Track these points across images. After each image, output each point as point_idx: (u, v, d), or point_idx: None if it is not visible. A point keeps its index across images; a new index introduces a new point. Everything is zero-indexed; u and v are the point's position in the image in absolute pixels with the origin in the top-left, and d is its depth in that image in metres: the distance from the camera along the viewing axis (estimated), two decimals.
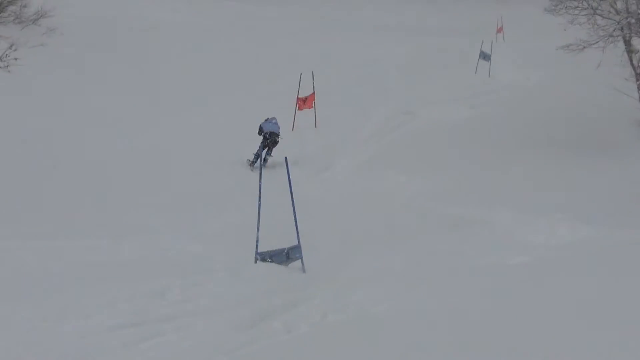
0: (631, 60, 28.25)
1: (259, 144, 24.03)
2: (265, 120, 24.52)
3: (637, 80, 28.05)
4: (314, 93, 27.28)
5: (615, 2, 27.16)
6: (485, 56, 37.53)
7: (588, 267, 13.55)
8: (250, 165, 23.77)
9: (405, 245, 16.25)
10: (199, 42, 40.76)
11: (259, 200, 13.92)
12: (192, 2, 52.66)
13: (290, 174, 13.89)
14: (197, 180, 21.00)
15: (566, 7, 28.99)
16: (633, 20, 26.47)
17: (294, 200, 14.01)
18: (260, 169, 13.79)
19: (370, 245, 16.19)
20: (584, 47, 27.83)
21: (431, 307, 11.20)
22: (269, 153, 24.05)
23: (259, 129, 24.34)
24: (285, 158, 13.79)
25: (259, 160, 23.04)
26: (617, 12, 27.08)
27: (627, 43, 28.12)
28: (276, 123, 24.49)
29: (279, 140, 24.24)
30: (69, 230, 16.28)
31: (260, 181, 13.91)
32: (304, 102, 27.07)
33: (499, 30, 47.91)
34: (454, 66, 37.45)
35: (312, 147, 24.80)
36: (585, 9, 28.23)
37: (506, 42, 45.84)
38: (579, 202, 19.64)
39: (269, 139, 24.12)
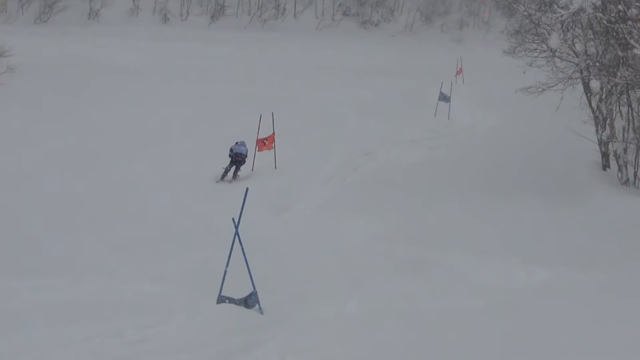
0: (590, 103, 28.27)
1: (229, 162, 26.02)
2: (235, 144, 26.27)
3: (595, 123, 28.05)
4: (273, 134, 27.01)
5: (574, 45, 27.18)
6: (444, 98, 37.53)
7: (546, 311, 13.54)
8: (220, 179, 25.79)
9: (363, 288, 15.97)
10: (158, 84, 40.46)
11: (234, 238, 13.49)
12: (152, 45, 52.56)
13: (250, 212, 13.48)
14: (157, 219, 20.51)
15: (525, 50, 28.99)
16: (592, 63, 26.47)
17: (254, 239, 13.64)
18: (242, 209, 13.26)
19: (327, 287, 15.86)
20: (543, 90, 27.78)
21: (387, 351, 11.19)
22: (237, 170, 26.06)
23: (229, 151, 26.14)
24: (247, 189, 13.35)
25: (226, 174, 25.79)
26: (576, 55, 27.09)
27: (586, 86, 28.15)
28: (243, 145, 26.27)
29: (245, 160, 26.17)
30: (26, 269, 15.77)
31: (237, 227, 13.46)
32: (264, 143, 26.82)
33: (459, 72, 48.09)
34: (414, 108, 37.44)
35: (272, 189, 24.46)
36: (544, 51, 28.22)
37: (466, 84, 45.96)
38: (536, 244, 19.53)
39: (236, 159, 26.03)
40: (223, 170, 26.02)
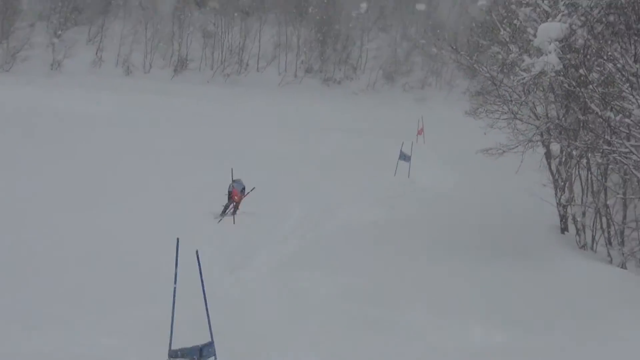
0: (549, 166, 28.43)
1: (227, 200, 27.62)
2: (233, 181, 27.71)
3: (555, 186, 28.19)
4: (235, 190, 26.90)
5: (535, 107, 27.41)
6: (405, 157, 37.57)
7: None
8: (220, 215, 27.23)
9: (320, 346, 15.68)
10: (121, 135, 40.17)
11: (174, 295, 13.17)
12: (116, 96, 52.40)
13: (206, 268, 13.20)
14: (112, 271, 20.04)
15: (486, 111, 29.20)
16: (552, 126, 26.66)
17: (210, 295, 13.32)
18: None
19: (284, 345, 15.56)
20: (504, 152, 27.92)
21: None
22: (234, 209, 27.54)
23: (228, 187, 27.68)
24: (197, 252, 13.08)
25: (225, 211, 27.36)
26: (537, 118, 27.32)
27: (546, 149, 28.34)
28: (240, 182, 27.95)
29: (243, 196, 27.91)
30: None
31: (175, 279, 13.16)
32: (234, 196, 26.82)
33: (420, 131, 48.28)
34: (375, 166, 37.40)
35: (231, 243, 24.14)
36: (505, 113, 28.45)
37: (427, 144, 46.08)
38: (494, 305, 19.33)
39: (229, 195, 27.63)
40: (222, 208, 27.44)
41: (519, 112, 28.01)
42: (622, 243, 26.00)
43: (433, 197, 33.34)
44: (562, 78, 24.05)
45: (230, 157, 30.70)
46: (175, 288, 13.30)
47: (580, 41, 22.97)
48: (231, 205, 27.49)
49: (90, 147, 36.65)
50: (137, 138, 39.75)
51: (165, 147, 37.98)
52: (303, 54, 75.11)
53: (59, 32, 65.83)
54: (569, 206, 28.06)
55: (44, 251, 21.15)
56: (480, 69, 28.62)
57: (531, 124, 27.89)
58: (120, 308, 17.02)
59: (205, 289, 13.34)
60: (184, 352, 13.46)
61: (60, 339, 14.61)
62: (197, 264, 13.26)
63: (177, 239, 13.25)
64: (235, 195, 27.00)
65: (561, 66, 23.15)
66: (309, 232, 26.32)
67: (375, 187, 33.31)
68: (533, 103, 27.43)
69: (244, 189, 28.14)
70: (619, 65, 20.95)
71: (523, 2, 26.49)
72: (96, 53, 67.24)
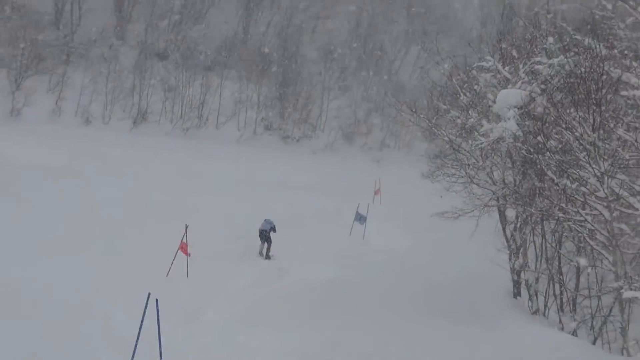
0: (504, 231, 28.57)
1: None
2: (264, 220, 31.82)
3: (509, 251, 28.30)
4: (185, 242, 26.63)
5: (492, 173, 27.61)
6: (360, 219, 37.60)
7: None
8: (259, 255, 31.09)
9: None
10: (80, 186, 39.74)
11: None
12: (75, 146, 51.91)
13: (160, 319, 13.01)
14: (65, 321, 19.70)
15: (443, 174, 29.35)
16: (508, 192, 26.85)
17: (164, 347, 13.11)
18: None
19: None
20: (459, 215, 28.02)
21: None
22: (268, 249, 31.27)
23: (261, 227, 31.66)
24: (156, 300, 12.90)
25: (261, 251, 31.16)
26: (494, 183, 27.50)
27: (502, 214, 28.50)
28: (268, 222, 31.75)
29: (270, 234, 31.37)
30: None
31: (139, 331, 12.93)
32: (182, 249, 26.51)
33: (377, 192, 48.44)
34: (330, 226, 37.34)
35: (184, 297, 23.92)
36: (462, 177, 28.61)
37: (383, 205, 46.18)
38: None
39: (261, 235, 31.36)
40: (258, 248, 31.26)
41: (476, 176, 28.18)
42: (574, 310, 26.08)
43: (387, 259, 33.34)
44: (520, 144, 24.28)
45: (184, 213, 30.49)
46: (139, 334, 13.08)
47: (540, 109, 23.27)
48: (265, 245, 31.15)
49: (42, 196, 36.14)
50: (90, 189, 39.29)
51: (121, 199, 37.61)
52: (263, 110, 75.25)
53: (19, 79, 65.31)
54: (522, 272, 28.15)
55: None
56: (439, 133, 28.84)
57: (487, 189, 28.05)
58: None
59: (162, 340, 13.15)
60: None
61: None
62: (156, 314, 13.07)
63: (149, 294, 13.07)
64: (183, 247, 26.69)
65: (520, 133, 23.41)
66: (260, 289, 26.17)
67: (329, 247, 33.23)
68: (490, 168, 27.62)
69: (273, 227, 31.50)
70: (576, 133, 21.21)
71: (484, 68, 26.84)
72: (56, 102, 66.72)
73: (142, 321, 13.16)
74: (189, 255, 26.52)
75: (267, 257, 31.26)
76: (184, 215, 28.58)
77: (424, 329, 22.99)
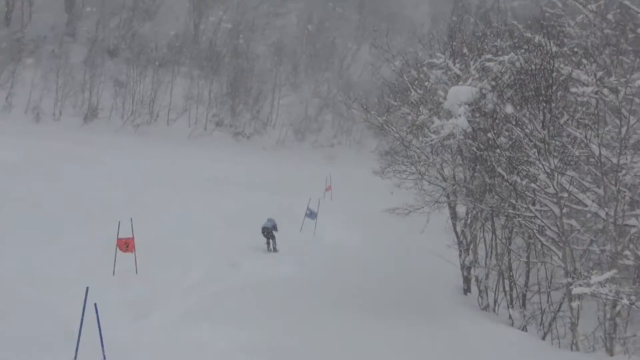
0: (455, 228, 28.68)
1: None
2: (267, 220, 33.28)
3: (459, 247, 28.42)
4: (133, 238, 26.25)
5: (442, 169, 27.69)
6: (311, 214, 37.53)
7: None
8: (267, 251, 32.72)
9: None
10: (29, 182, 39.01)
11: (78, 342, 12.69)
12: (24, 143, 51.03)
13: (109, 316, 12.78)
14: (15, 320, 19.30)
15: (394, 171, 29.35)
16: (459, 188, 26.96)
17: (112, 342, 12.86)
18: None
19: None
20: (410, 212, 28.06)
21: None
22: (274, 244, 32.95)
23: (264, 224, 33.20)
24: (95, 304, 12.64)
25: (269, 247, 32.84)
26: (444, 179, 27.59)
27: (452, 210, 28.60)
28: (271, 220, 33.31)
29: (274, 232, 32.94)
30: None
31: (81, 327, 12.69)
32: (126, 245, 26.02)
33: (328, 188, 48.39)
34: (280, 222, 37.20)
35: (133, 293, 23.57)
36: (412, 173, 28.65)
37: (334, 201, 46.15)
38: None
39: (264, 233, 32.82)
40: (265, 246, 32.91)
41: (427, 173, 28.28)
42: (523, 306, 26.23)
43: (339, 254, 33.22)
44: (470, 141, 24.37)
45: (135, 209, 30.12)
46: (79, 334, 12.84)
47: (490, 105, 23.36)
48: (270, 241, 32.83)
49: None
50: (40, 186, 38.64)
51: (72, 196, 37.05)
52: (214, 107, 74.95)
53: None
54: (472, 268, 28.28)
55: None
56: (390, 129, 28.86)
57: (438, 185, 28.16)
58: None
59: (103, 338, 12.92)
60: None
61: None
62: (96, 315, 12.84)
63: (87, 288, 12.82)
64: (123, 246, 26.30)
65: (470, 129, 23.48)
66: (212, 285, 25.93)
67: (281, 243, 33.05)
68: (441, 164, 27.74)
69: (275, 225, 33.04)
70: (527, 130, 21.33)
71: (435, 64, 26.91)
72: (6, 98, 65.92)
73: (82, 318, 12.91)
74: (130, 252, 26.06)
75: (275, 250, 32.81)
76: (134, 212, 28.18)
77: (375, 326, 22.86)
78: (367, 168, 34.54)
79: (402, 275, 30.23)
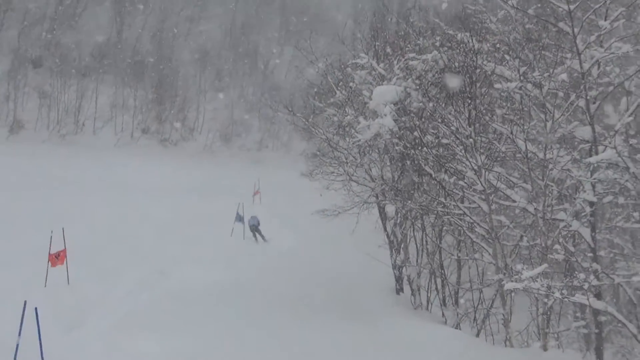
0: (385, 227, 28.59)
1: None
2: (250, 217, 37.71)
3: (390, 247, 28.35)
4: (65, 249, 25.72)
5: (370, 170, 27.56)
6: (240, 219, 37.29)
7: None
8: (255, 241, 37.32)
9: None
10: None
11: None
12: None
13: (42, 327, 12.32)
14: None
15: (322, 173, 29.18)
16: (387, 188, 26.85)
17: (47, 355, 12.41)
18: None
19: None
20: (339, 213, 27.88)
21: None
22: (261, 236, 37.65)
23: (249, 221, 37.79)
24: (35, 309, 12.16)
25: (256, 239, 37.34)
26: (372, 179, 27.45)
27: (382, 210, 28.49)
28: (254, 217, 37.88)
29: (258, 227, 37.65)
30: None
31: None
32: (57, 258, 25.49)
33: (256, 193, 48.12)
34: (211, 228, 36.86)
35: (65, 304, 23.07)
36: (341, 174, 28.48)
37: (263, 205, 45.91)
38: None
39: (251, 229, 37.50)
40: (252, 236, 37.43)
41: (355, 174, 28.12)
42: (456, 304, 26.29)
43: (270, 258, 33.14)
44: (397, 140, 24.27)
45: (64, 219, 29.45)
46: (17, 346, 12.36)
47: (415, 104, 23.30)
48: (255, 235, 37.70)
49: None
50: None
51: None
52: (140, 114, 74.20)
53: None
54: (404, 267, 28.22)
55: None
56: (316, 131, 28.66)
57: (366, 186, 28.02)
58: None
59: (43, 349, 12.49)
60: None
61: None
62: (36, 323, 12.37)
63: (25, 302, 12.35)
64: (54, 260, 25.74)
65: (396, 128, 23.37)
66: (144, 293, 25.56)
67: (211, 249, 32.71)
68: (368, 165, 27.59)
69: (258, 222, 37.71)
70: (452, 128, 21.28)
71: (358, 65, 26.77)
72: None
73: (20, 331, 12.45)
74: (60, 264, 25.59)
75: (264, 240, 37.22)
76: (62, 222, 27.58)
77: (307, 329, 22.72)
78: (295, 170, 34.46)
79: (334, 277, 30.11)
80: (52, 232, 25.70)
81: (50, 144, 66.78)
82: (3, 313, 20.47)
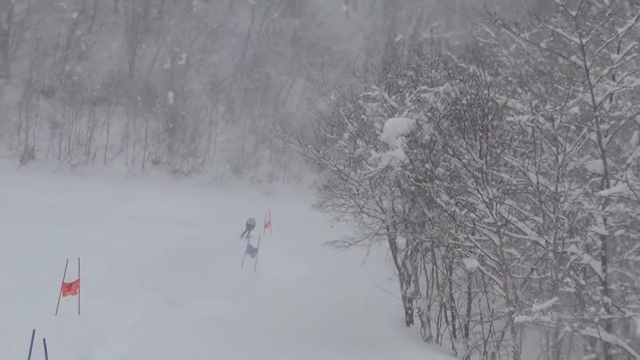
0: (395, 259, 28.59)
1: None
2: (249, 219, 45.15)
3: (400, 279, 28.34)
4: (79, 280, 25.88)
5: (381, 201, 27.61)
6: (251, 250, 37.26)
7: None
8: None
9: None
10: None
11: None
12: None
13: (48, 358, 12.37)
14: None
15: (333, 205, 29.24)
16: (398, 220, 26.88)
17: None
18: None
19: None
20: (350, 244, 27.91)
21: None
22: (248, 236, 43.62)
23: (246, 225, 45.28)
24: (44, 340, 12.22)
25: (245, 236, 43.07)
26: (383, 211, 27.49)
27: (392, 242, 28.50)
28: (252, 219, 45.42)
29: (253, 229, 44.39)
30: None
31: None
32: (69, 288, 25.64)
33: (267, 225, 48.12)
34: (221, 259, 36.87)
35: (75, 335, 23.15)
36: (351, 206, 28.54)
37: (274, 236, 45.96)
38: None
39: (247, 227, 44.76)
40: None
41: (366, 205, 28.16)
42: (466, 336, 26.21)
43: (281, 290, 33.12)
44: (408, 172, 24.33)
45: (76, 251, 29.50)
46: None
47: (427, 136, 23.38)
48: (246, 232, 44.95)
49: None
50: None
51: (5, 238, 36.16)
52: (151, 145, 74.46)
53: None
54: (414, 299, 28.19)
55: None
56: (327, 163, 28.75)
57: (377, 218, 28.05)
58: None
59: None
60: None
61: None
62: (45, 354, 12.41)
63: (34, 331, 12.39)
64: (66, 289, 25.87)
65: (407, 160, 23.45)
66: (154, 324, 25.64)
67: (220, 280, 32.75)
68: (379, 197, 27.64)
69: (254, 225, 45.40)
70: (464, 160, 21.32)
71: (370, 97, 26.92)
72: None
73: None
74: (72, 294, 25.72)
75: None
76: (73, 252, 27.69)
77: (319, 358, 22.75)
78: (306, 202, 34.42)
79: (344, 308, 30.20)
80: (67, 261, 25.85)
81: (61, 174, 66.87)
82: (13, 342, 20.55)
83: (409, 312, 28.93)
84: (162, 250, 37.42)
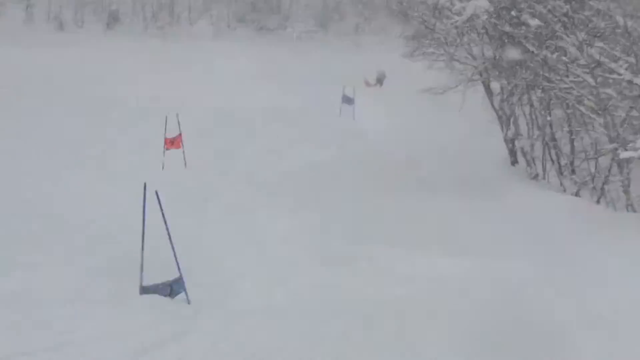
0: (492, 103, 28.50)
1: None
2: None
3: (500, 122, 28.31)
4: (180, 134, 26.62)
5: (471, 49, 27.35)
6: (348, 100, 37.62)
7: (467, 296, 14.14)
8: None
9: (288, 280, 15.40)
10: (59, 91, 39.18)
11: (143, 236, 13.08)
12: (49, 52, 51.03)
13: (164, 208, 13.05)
14: (72, 214, 19.67)
15: (423, 54, 29.13)
16: (490, 65, 26.64)
17: (173, 235, 13.21)
18: None
19: (252, 279, 15.40)
20: (445, 91, 27.92)
21: (312, 338, 11.83)
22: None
23: None
24: (156, 192, 12.88)
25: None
26: (474, 58, 27.26)
27: (487, 87, 28.35)
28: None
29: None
30: None
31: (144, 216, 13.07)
32: (172, 142, 26.48)
33: (367, 83, 48.24)
34: (318, 110, 37.14)
35: (184, 187, 23.79)
36: (442, 54, 28.40)
37: (367, 88, 45.98)
38: (454, 237, 18.97)
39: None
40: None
41: (455, 53, 27.97)
42: (573, 173, 26.07)
43: (380, 137, 33.10)
44: (495, 20, 23.97)
45: (174, 107, 30.13)
46: (143, 229, 13.15)
47: None
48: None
49: (29, 105, 35.51)
50: (77, 93, 38.74)
51: (107, 101, 37.21)
52: (234, 3, 74.21)
53: None
54: (515, 140, 28.21)
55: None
56: (412, 14, 28.48)
57: (469, 64, 27.88)
58: (85, 248, 16.71)
59: (169, 228, 13.24)
60: (156, 288, 13.37)
61: (30, 280, 14.33)
62: (159, 204, 13.07)
63: (145, 184, 13.03)
64: (170, 143, 26.73)
65: (492, 9, 23.09)
66: (258, 173, 26.00)
67: (321, 129, 33.14)
68: (469, 44, 27.37)
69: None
70: (549, 6, 20.89)
71: None
72: (26, 9, 66.34)
73: (143, 212, 13.17)
74: (176, 148, 26.57)
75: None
76: (173, 109, 28.48)
77: (427, 199, 22.80)
78: (394, 53, 34.21)
79: (447, 151, 30.05)
80: (166, 117, 26.65)
81: (147, 37, 67.26)
82: (124, 195, 21.32)
83: (513, 152, 28.98)
84: (257, 105, 37.85)
